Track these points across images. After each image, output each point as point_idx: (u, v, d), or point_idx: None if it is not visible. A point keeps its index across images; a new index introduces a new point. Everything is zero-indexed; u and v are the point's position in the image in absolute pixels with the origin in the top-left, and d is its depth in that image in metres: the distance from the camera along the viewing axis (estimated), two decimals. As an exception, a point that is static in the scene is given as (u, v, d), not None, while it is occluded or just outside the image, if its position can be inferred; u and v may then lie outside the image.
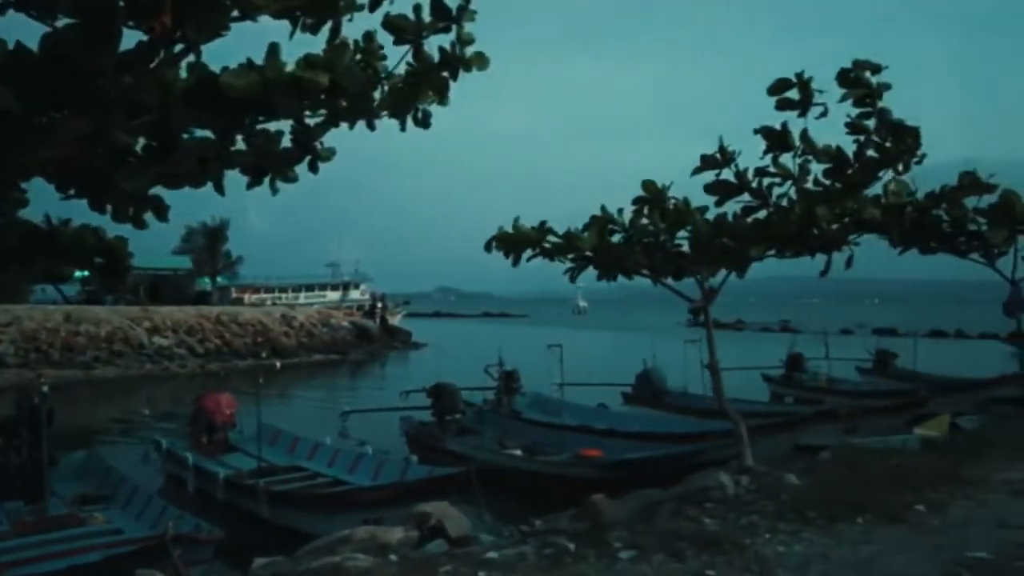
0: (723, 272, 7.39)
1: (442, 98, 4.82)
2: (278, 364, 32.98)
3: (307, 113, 4.63)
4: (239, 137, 2.93)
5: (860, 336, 45.97)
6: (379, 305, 51.58)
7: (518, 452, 13.49)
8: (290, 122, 3.66)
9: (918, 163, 6.46)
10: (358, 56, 3.15)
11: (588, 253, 7.11)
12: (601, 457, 12.43)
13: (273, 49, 4.15)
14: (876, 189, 6.69)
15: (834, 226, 6.61)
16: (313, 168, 4.63)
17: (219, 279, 51.23)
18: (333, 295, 56.61)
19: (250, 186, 4.70)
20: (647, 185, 7.19)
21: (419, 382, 16.79)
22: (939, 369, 22.81)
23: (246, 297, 50.82)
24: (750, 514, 5.44)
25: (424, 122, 4.88)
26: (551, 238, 7.29)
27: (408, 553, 4.81)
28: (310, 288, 56.49)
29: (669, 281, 7.63)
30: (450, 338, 48.58)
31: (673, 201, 7.15)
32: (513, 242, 7.24)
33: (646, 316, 73.75)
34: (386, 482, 10.53)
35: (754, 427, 14.15)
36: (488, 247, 7.35)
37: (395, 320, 51.38)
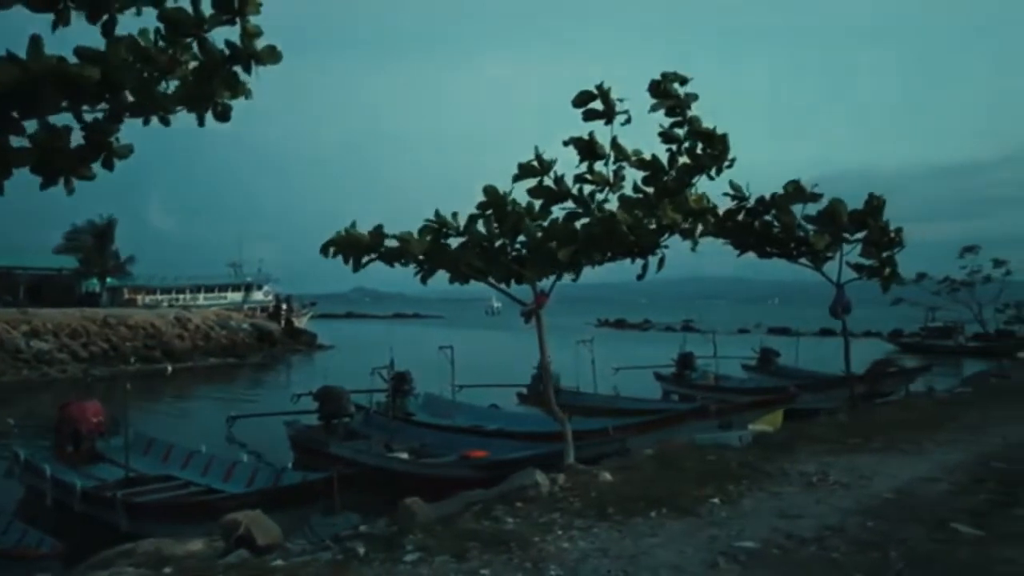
0: (561, 275, 7.58)
1: (235, 92, 4.73)
2: (169, 368, 31.72)
3: (85, 108, 4.46)
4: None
5: (756, 335, 48.07)
6: (284, 306, 50.35)
7: (404, 455, 13.46)
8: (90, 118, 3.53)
9: (729, 167, 6.79)
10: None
11: (420, 256, 7.15)
12: (484, 458, 12.55)
13: (35, 41, 3.98)
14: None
15: (655, 226, 6.85)
16: (107, 165, 4.46)
17: (109, 280, 48.77)
18: (234, 296, 54.86)
19: (43, 186, 4.49)
20: (487, 190, 7.30)
21: (318, 385, 16.56)
22: (823, 366, 24.14)
23: (139, 299, 48.66)
24: (554, 512, 5.59)
25: (223, 116, 4.77)
26: (387, 242, 7.29)
27: (191, 565, 4.71)
28: (209, 289, 54.53)
29: (526, 284, 7.75)
30: (358, 340, 47.88)
31: (512, 206, 7.28)
32: (348, 246, 7.20)
33: (560, 317, 74.75)
34: (254, 489, 10.36)
35: (636, 424, 14.64)
36: (324, 251, 7.29)
37: (301, 322, 50.28)
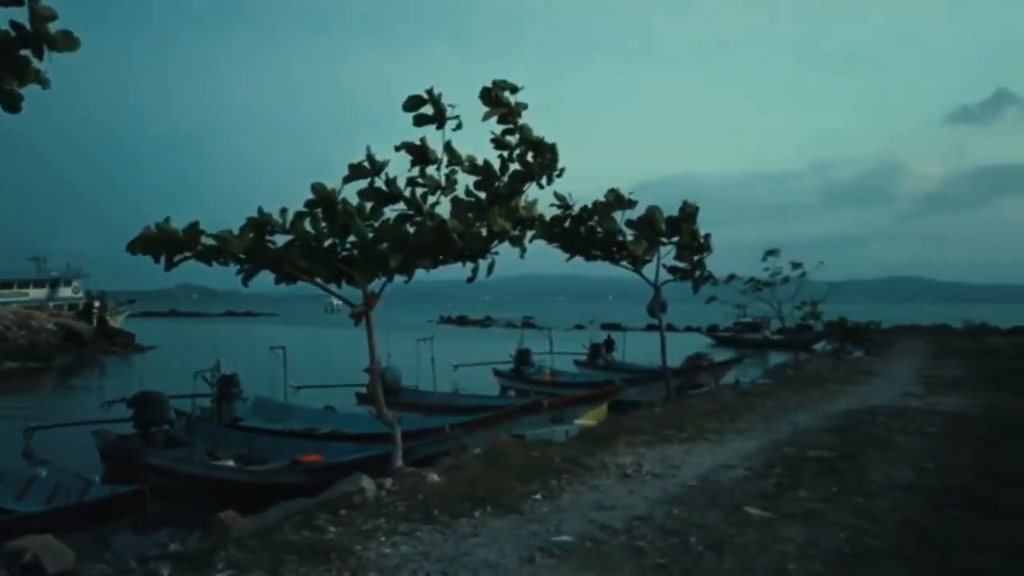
0: (392, 277, 7.50)
1: (24, 79, 4.24)
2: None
3: None
4: None
5: (591, 330, 50.32)
6: (96, 304, 46.06)
7: (230, 463, 12.75)
8: None
9: (559, 176, 7.04)
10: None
11: (241, 256, 6.81)
12: (317, 462, 12.15)
13: None
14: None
15: (486, 233, 6.97)
16: None
17: None
18: (38, 293, 49.42)
19: None
20: (316, 187, 7.07)
21: (134, 390, 15.26)
22: (650, 360, 25.68)
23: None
24: (379, 518, 5.53)
25: (11, 105, 4.26)
26: (204, 239, 6.88)
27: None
28: (7, 285, 48.74)
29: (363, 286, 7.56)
30: (182, 340, 44.86)
31: (342, 206, 7.10)
32: (159, 244, 6.72)
33: (402, 314, 74.18)
34: (52, 507, 9.38)
35: (473, 422, 14.80)
36: (132, 249, 6.75)
37: (117, 321, 46.27)
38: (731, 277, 19.66)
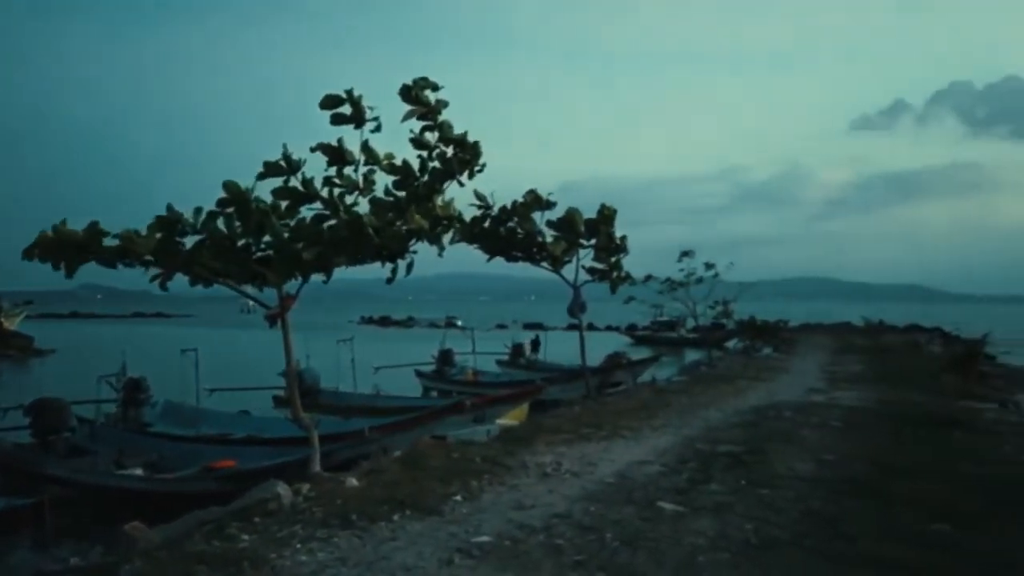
0: (309, 277, 7.35)
1: None
2: None
3: None
4: None
5: (514, 330, 50.60)
6: (-11, 306, 43.28)
7: (138, 471, 12.21)
8: None
9: (480, 171, 7.04)
10: None
11: (149, 257, 6.54)
12: (231, 468, 11.77)
13: None
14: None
15: (405, 231, 6.91)
16: None
17: None
18: (-82, 295, 46.04)
19: None
20: (228, 186, 6.85)
21: (32, 396, 14.38)
22: (571, 359, 26.02)
23: None
24: (295, 524, 5.42)
25: None
26: (107, 240, 6.58)
27: None
28: None
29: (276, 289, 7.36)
30: (86, 343, 42.63)
31: (256, 204, 6.91)
32: (58, 248, 6.38)
33: (325, 314, 72.79)
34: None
35: (394, 424, 14.64)
36: (28, 256, 6.39)
37: (12, 323, 43.59)
38: (648, 277, 20.21)
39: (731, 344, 34.90)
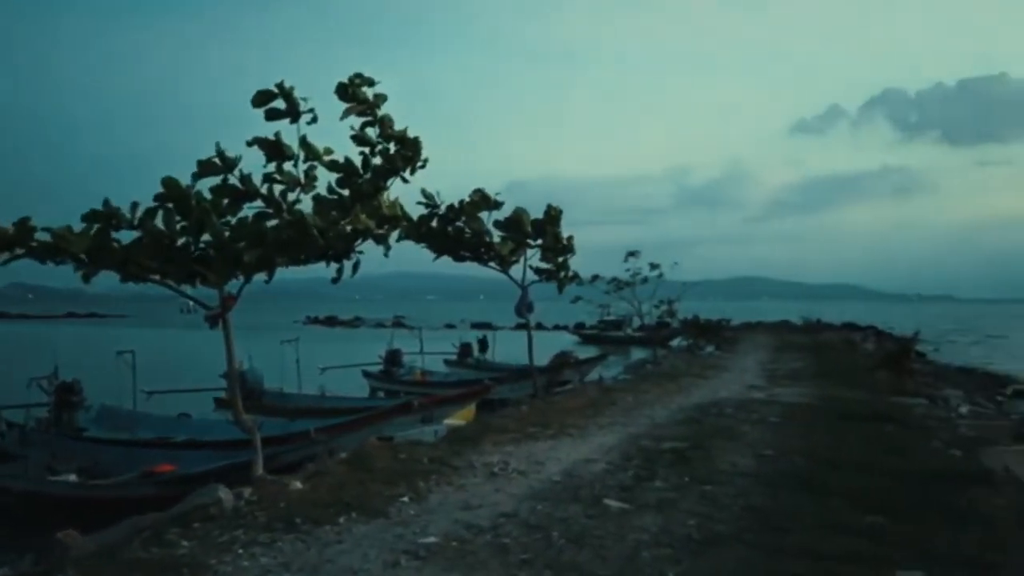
0: (251, 277, 7.19)
1: None
2: None
3: None
4: None
5: (462, 330, 50.47)
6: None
7: (72, 477, 11.77)
8: None
9: (422, 167, 7.00)
10: None
11: (82, 255, 6.31)
12: (171, 472, 11.45)
13: None
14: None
15: (350, 231, 6.82)
16: None
17: None
18: None
19: None
20: (167, 182, 6.66)
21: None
22: (519, 359, 26.08)
23: None
24: (236, 529, 5.30)
25: None
26: (39, 236, 6.32)
27: None
28: None
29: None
30: (15, 345, 40.99)
31: (196, 202, 6.72)
32: (-17, 243, 6.10)
33: (270, 314, 71.34)
34: None
35: (341, 425, 14.45)
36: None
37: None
38: (595, 277, 20.44)
39: (676, 343, 35.51)
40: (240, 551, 4.87)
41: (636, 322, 35.53)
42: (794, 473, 7.10)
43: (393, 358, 24.07)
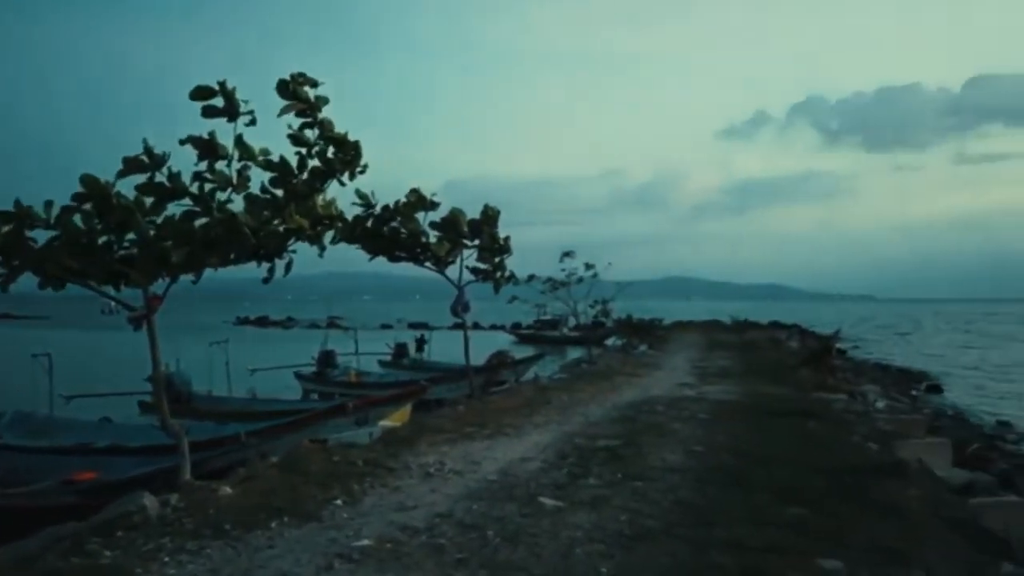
0: (177, 277, 6.97)
1: None
2: None
3: None
4: None
5: (398, 330, 50.06)
6: None
7: (-13, 486, 11.17)
8: None
9: (362, 172, 6.93)
10: None
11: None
12: (92, 480, 10.99)
13: None
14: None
15: (283, 230, 6.70)
16: None
17: None
18: None
19: None
20: (86, 180, 6.38)
21: None
22: (455, 358, 26.01)
23: None
24: (162, 537, 5.14)
25: None
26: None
27: None
28: None
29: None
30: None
31: (118, 200, 6.47)
32: None
33: (200, 314, 69.14)
34: None
35: (272, 427, 14.12)
36: None
37: None
38: (531, 277, 20.55)
39: (610, 342, 36.07)
40: (166, 559, 4.73)
41: (572, 322, 35.90)
42: (722, 468, 7.33)
43: (327, 359, 23.68)
